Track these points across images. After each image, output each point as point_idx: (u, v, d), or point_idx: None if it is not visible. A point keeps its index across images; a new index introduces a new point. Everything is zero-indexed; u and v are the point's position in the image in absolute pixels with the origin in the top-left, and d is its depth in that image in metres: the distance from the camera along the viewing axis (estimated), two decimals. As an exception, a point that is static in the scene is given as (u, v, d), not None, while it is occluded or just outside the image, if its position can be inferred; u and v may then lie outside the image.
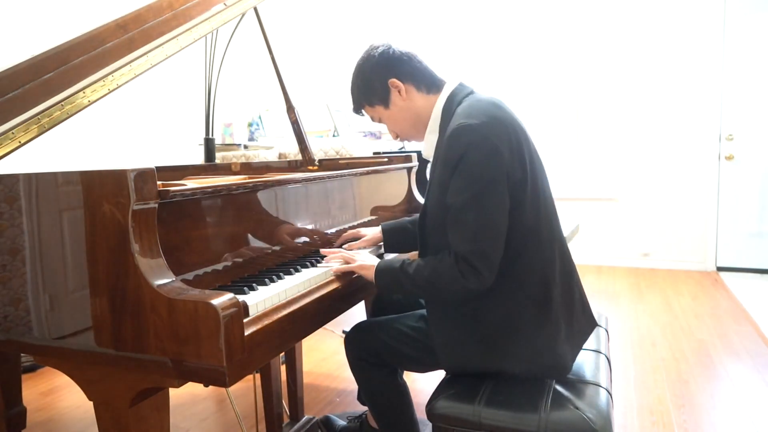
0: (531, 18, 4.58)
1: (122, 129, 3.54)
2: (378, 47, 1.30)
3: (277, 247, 1.30)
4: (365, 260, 1.27)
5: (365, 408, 1.77)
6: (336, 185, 1.59)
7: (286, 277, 1.17)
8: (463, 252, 1.09)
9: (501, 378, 1.20)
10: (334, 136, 4.55)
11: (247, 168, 2.02)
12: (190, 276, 1.01)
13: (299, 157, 2.04)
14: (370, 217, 1.81)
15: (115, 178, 0.88)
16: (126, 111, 3.51)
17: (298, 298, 1.09)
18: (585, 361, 1.30)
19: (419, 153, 2.18)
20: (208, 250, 1.08)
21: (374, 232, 1.57)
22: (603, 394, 1.15)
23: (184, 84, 3.75)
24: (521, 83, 4.65)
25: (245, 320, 0.92)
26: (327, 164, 2.11)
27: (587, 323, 1.28)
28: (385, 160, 2.10)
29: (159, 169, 1.70)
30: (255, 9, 1.80)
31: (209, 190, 1.07)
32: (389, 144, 3.55)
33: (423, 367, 1.39)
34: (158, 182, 0.92)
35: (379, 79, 1.29)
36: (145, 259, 0.88)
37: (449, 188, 1.12)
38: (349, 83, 1.35)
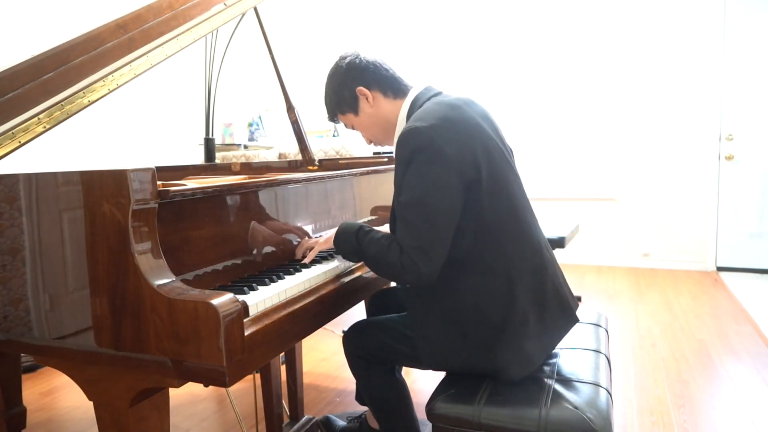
0: (531, 18, 4.58)
1: (122, 129, 3.54)
2: (346, 57, 1.37)
3: (277, 247, 1.30)
4: (327, 235, 1.33)
5: (365, 408, 1.77)
6: (336, 185, 1.59)
7: (286, 277, 1.17)
8: (407, 247, 1.12)
9: (501, 378, 1.21)
10: (334, 136, 4.56)
11: (247, 168, 2.02)
12: (190, 276, 1.01)
13: (299, 157, 2.04)
14: (370, 217, 1.81)
15: (115, 178, 0.88)
16: (126, 111, 3.52)
17: (298, 298, 1.10)
18: (585, 361, 1.30)
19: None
20: (208, 250, 1.08)
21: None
22: (603, 394, 1.15)
23: (184, 84, 3.75)
24: (521, 83, 4.65)
25: (245, 320, 0.92)
26: (327, 164, 2.11)
27: (564, 318, 1.29)
28: (385, 160, 2.10)
29: (159, 169, 1.70)
30: (255, 9, 1.80)
31: (209, 190, 1.07)
32: (391, 147, 3.54)
33: (421, 365, 1.39)
34: (158, 182, 0.92)
35: (347, 88, 1.35)
36: (145, 259, 0.88)
37: (402, 187, 1.16)
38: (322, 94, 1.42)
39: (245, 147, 4.36)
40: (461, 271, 1.18)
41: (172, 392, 1.18)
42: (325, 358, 2.66)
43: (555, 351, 1.35)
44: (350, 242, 1.24)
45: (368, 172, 1.80)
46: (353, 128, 1.43)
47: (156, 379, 0.91)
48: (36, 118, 1.14)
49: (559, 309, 1.28)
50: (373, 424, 1.64)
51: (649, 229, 4.38)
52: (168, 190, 0.95)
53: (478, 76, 4.75)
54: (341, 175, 1.60)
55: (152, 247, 0.91)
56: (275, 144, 4.58)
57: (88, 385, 0.98)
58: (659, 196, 4.33)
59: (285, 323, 1.01)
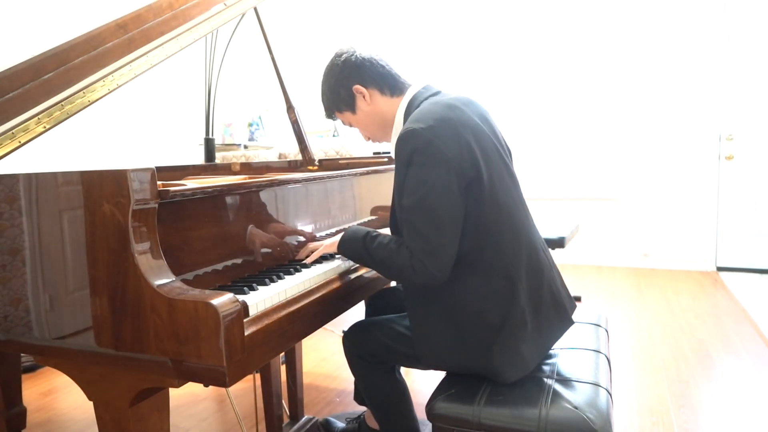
0: (531, 18, 4.57)
1: (122, 129, 3.54)
2: (341, 55, 1.36)
3: (277, 247, 1.30)
4: (331, 240, 1.34)
5: (364, 408, 1.77)
6: (336, 185, 1.59)
7: (286, 277, 1.17)
8: (415, 250, 1.13)
9: (495, 380, 1.20)
10: (334, 136, 4.56)
11: (247, 168, 2.02)
12: (190, 276, 1.01)
13: (299, 157, 2.04)
14: (370, 217, 1.81)
15: (115, 178, 0.88)
16: (126, 111, 3.52)
17: (298, 298, 1.10)
18: (585, 361, 1.30)
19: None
20: (208, 250, 1.08)
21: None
22: (603, 394, 1.15)
23: (184, 84, 3.75)
24: (521, 84, 4.65)
25: (245, 320, 0.92)
26: (327, 164, 2.11)
27: (559, 321, 1.29)
28: (385, 160, 2.10)
29: (159, 169, 1.70)
30: (255, 9, 1.80)
31: (209, 190, 1.07)
32: (389, 144, 3.55)
33: (420, 365, 1.40)
34: (158, 182, 0.92)
35: (343, 86, 1.35)
36: (145, 259, 0.88)
37: (403, 190, 1.16)
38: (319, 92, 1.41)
39: (245, 147, 4.36)
40: (461, 272, 1.18)
41: (172, 392, 1.18)
42: (325, 358, 2.66)
43: (555, 351, 1.35)
44: (357, 248, 1.24)
45: (368, 172, 1.80)
46: (351, 126, 1.43)
47: (156, 379, 0.91)
48: (36, 118, 1.14)
49: (554, 311, 1.27)
50: (372, 424, 1.64)
51: (649, 229, 4.38)
52: (168, 190, 0.95)
53: (478, 76, 4.75)
54: (341, 175, 1.60)
55: (152, 247, 0.91)
56: (275, 144, 4.59)
57: (88, 385, 0.98)
58: (659, 196, 4.33)
59: (285, 323, 1.01)
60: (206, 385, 0.87)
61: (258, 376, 1.85)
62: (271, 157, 3.43)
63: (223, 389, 2.27)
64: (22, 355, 1.78)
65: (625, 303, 3.42)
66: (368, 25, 5.07)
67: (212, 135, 2.15)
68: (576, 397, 1.12)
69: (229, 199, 1.15)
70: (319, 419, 1.86)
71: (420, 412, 1.50)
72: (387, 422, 1.44)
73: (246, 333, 0.89)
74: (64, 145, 2.84)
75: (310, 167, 1.98)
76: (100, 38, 1.26)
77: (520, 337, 1.19)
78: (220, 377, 0.85)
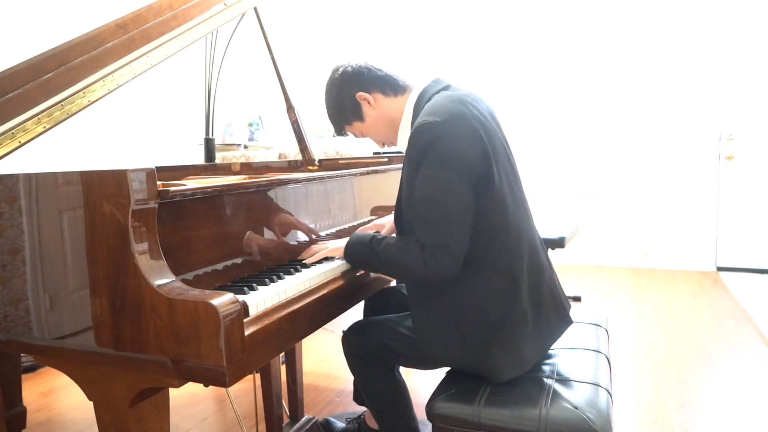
0: (531, 18, 4.57)
1: (122, 129, 3.54)
2: (338, 69, 1.37)
3: (277, 247, 1.30)
4: (336, 244, 1.33)
5: (364, 408, 1.77)
6: (336, 185, 1.59)
7: (286, 277, 1.17)
8: (428, 245, 1.12)
9: (492, 378, 1.21)
10: (334, 136, 4.55)
11: (247, 168, 2.02)
12: (190, 276, 1.01)
13: (299, 157, 2.04)
14: (370, 217, 1.81)
15: (115, 178, 0.88)
16: (126, 111, 3.51)
17: (298, 298, 1.10)
18: (585, 361, 1.30)
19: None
20: (208, 250, 1.08)
21: (389, 220, 1.59)
22: (603, 394, 1.15)
23: (184, 84, 3.74)
24: (521, 84, 4.65)
25: (245, 320, 0.92)
26: (327, 164, 2.11)
27: (558, 321, 1.30)
28: (385, 160, 2.10)
29: (159, 169, 1.70)
30: (255, 9, 1.80)
31: (209, 190, 1.07)
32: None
33: (419, 365, 1.40)
34: (158, 182, 0.92)
35: (347, 96, 1.35)
36: (145, 259, 0.88)
37: (414, 184, 1.16)
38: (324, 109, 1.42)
39: (245, 147, 4.35)
40: (466, 269, 1.17)
41: (172, 392, 1.18)
42: (325, 358, 2.66)
43: (555, 351, 1.35)
44: (363, 251, 1.23)
45: (368, 172, 1.80)
46: (362, 135, 1.42)
47: (156, 379, 0.91)
48: (36, 118, 1.14)
49: (554, 311, 1.28)
50: (372, 424, 1.64)
51: (649, 229, 4.38)
52: (168, 190, 0.95)
53: (478, 75, 4.75)
54: (341, 175, 1.60)
55: (152, 247, 0.91)
56: (275, 144, 4.58)
57: (88, 385, 0.98)
58: (659, 196, 4.33)
59: (285, 323, 1.01)
60: (206, 385, 0.87)
61: (258, 376, 1.85)
62: (271, 157, 3.43)
63: (223, 389, 2.27)
64: (22, 355, 1.78)
65: (625, 303, 3.42)
66: (368, 25, 5.07)
67: (212, 135, 2.15)
68: (576, 397, 1.12)
69: (229, 199, 1.15)
70: (319, 419, 1.86)
71: (420, 412, 1.50)
72: (386, 422, 1.44)
73: (246, 333, 0.89)
74: (64, 145, 2.84)
75: (310, 167, 1.98)
76: (100, 38, 1.26)
77: (520, 336, 1.19)
78: (220, 377, 0.85)
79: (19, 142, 1.12)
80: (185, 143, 4.04)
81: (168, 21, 1.41)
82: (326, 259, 1.36)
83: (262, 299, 1.00)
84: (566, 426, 1.05)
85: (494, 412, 1.10)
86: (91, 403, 0.98)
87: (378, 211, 1.86)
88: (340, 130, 1.43)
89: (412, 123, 1.28)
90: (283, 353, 1.94)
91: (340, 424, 1.79)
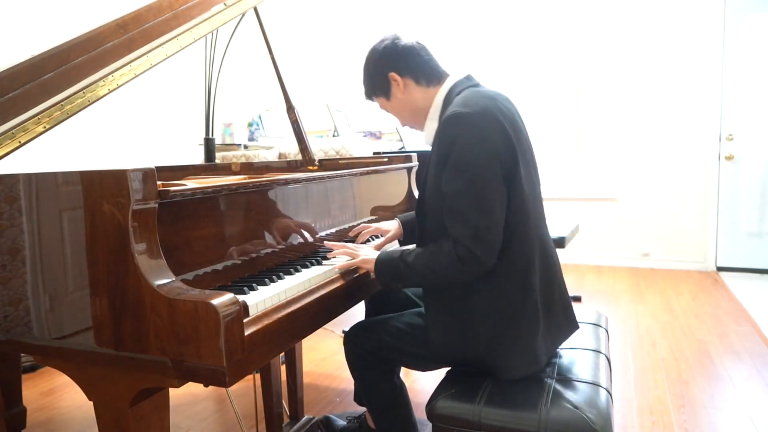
0: (530, 18, 4.57)
1: (122, 129, 3.54)
2: (384, 41, 1.36)
3: (277, 247, 1.30)
4: (368, 254, 1.31)
5: (364, 408, 1.77)
6: (336, 185, 1.59)
7: (286, 277, 1.17)
8: (461, 238, 1.11)
9: (501, 377, 1.21)
10: (334, 136, 4.55)
11: (247, 168, 2.02)
12: (190, 276, 1.01)
13: (299, 157, 2.04)
14: (370, 217, 1.81)
15: (115, 178, 0.88)
16: (126, 111, 3.51)
17: (298, 298, 1.09)
18: (585, 361, 1.30)
19: (419, 153, 2.19)
20: (208, 250, 1.07)
21: (393, 226, 1.59)
22: (603, 394, 1.15)
23: (184, 84, 3.74)
24: (521, 83, 4.65)
25: (245, 320, 0.92)
26: (327, 164, 2.11)
27: (567, 323, 1.30)
28: (385, 160, 2.10)
29: (159, 169, 1.70)
30: (255, 9, 1.80)
31: (209, 190, 1.07)
32: (389, 144, 3.55)
33: (421, 364, 1.39)
34: (158, 182, 0.92)
35: (380, 72, 1.35)
36: (145, 259, 0.88)
37: (444, 176, 1.15)
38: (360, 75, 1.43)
39: (245, 147, 4.35)
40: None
41: (172, 392, 1.18)
42: (325, 358, 2.66)
43: (555, 351, 1.35)
44: (394, 266, 1.22)
45: (368, 172, 1.80)
46: (387, 111, 1.43)
47: (156, 379, 0.91)
48: (36, 118, 1.14)
49: (563, 313, 1.28)
50: (372, 424, 1.64)
51: (649, 229, 4.38)
52: (168, 190, 0.95)
53: (478, 75, 4.74)
54: (341, 175, 1.60)
55: (152, 247, 0.91)
56: (275, 144, 4.58)
57: (88, 385, 0.98)
58: (659, 196, 4.33)
59: (285, 323, 1.01)
60: (206, 385, 0.87)
61: (258, 376, 1.85)
62: (271, 157, 3.43)
63: (223, 389, 2.27)
64: (22, 355, 1.78)
65: (625, 303, 3.42)
66: (367, 24, 5.06)
67: (212, 135, 2.15)
68: (576, 396, 1.12)
69: (229, 199, 1.15)
70: (318, 418, 1.86)
71: (420, 412, 1.50)
72: (385, 424, 1.43)
73: (246, 333, 0.89)
74: (64, 145, 2.84)
75: (310, 167, 1.98)
76: (100, 38, 1.26)
77: (533, 332, 1.19)
78: (220, 377, 0.84)
79: (19, 142, 1.12)
80: (185, 143, 4.04)
81: (168, 21, 1.41)
82: (326, 258, 1.36)
83: (262, 299, 1.00)
84: (566, 426, 1.05)
85: (494, 411, 1.10)
86: (91, 403, 0.98)
87: (378, 211, 1.86)
88: (368, 97, 1.44)
89: (440, 115, 1.28)
90: (283, 353, 1.94)
91: (341, 422, 1.79)
